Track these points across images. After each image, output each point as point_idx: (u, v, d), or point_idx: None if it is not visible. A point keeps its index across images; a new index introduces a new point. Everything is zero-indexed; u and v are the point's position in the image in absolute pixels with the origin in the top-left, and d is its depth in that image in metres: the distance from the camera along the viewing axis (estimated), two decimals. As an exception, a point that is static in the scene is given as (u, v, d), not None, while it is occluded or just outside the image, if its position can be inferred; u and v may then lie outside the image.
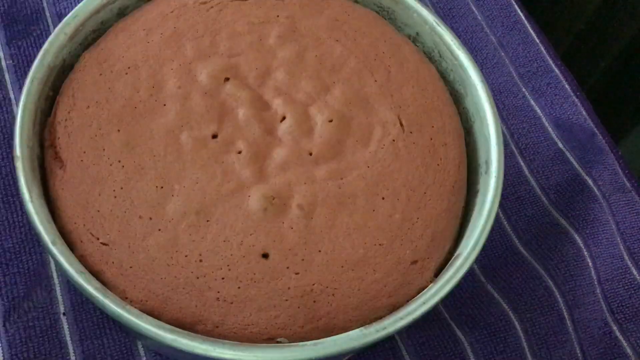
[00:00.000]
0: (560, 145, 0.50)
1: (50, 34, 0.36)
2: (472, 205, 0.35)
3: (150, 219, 0.31)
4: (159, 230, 0.31)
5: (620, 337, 0.43)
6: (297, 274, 0.31)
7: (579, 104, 0.52)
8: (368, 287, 0.31)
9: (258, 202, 0.31)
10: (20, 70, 0.45)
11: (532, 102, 0.51)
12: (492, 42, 0.54)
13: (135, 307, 0.29)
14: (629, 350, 0.43)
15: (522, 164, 0.49)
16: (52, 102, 0.35)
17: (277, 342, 0.30)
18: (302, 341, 0.29)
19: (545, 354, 0.42)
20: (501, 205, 0.47)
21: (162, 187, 0.32)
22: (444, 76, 0.39)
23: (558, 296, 0.44)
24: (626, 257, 0.46)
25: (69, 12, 0.36)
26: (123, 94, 0.34)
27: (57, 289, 0.39)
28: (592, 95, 0.55)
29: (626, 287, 0.45)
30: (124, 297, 0.30)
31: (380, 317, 0.31)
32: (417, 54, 0.38)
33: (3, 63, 0.46)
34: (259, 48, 0.36)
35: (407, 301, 0.31)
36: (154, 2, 0.38)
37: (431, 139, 0.35)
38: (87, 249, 0.31)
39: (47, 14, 0.48)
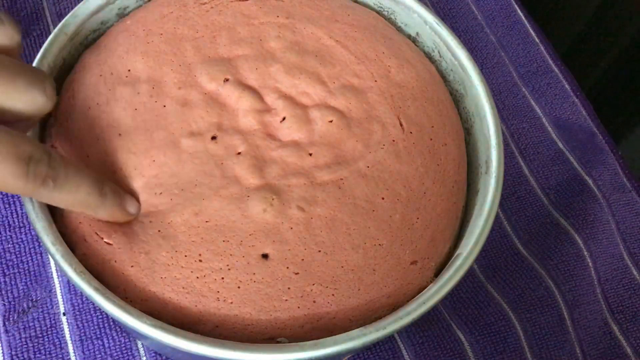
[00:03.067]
0: (560, 145, 0.50)
1: (50, 33, 0.36)
2: (472, 205, 0.35)
3: (150, 222, 0.31)
4: (159, 231, 0.31)
5: (620, 337, 0.44)
6: (297, 274, 0.31)
7: (579, 104, 0.52)
8: (368, 287, 0.31)
9: (258, 202, 0.31)
10: (20, 71, 0.45)
11: (532, 102, 0.52)
12: (492, 42, 0.54)
13: (135, 307, 0.29)
14: (629, 350, 0.43)
15: (522, 164, 0.49)
16: (52, 102, 0.35)
17: (277, 342, 0.30)
18: (302, 341, 0.29)
19: (545, 354, 0.42)
20: (501, 205, 0.47)
21: (161, 194, 0.32)
22: (444, 76, 0.39)
23: (558, 296, 0.44)
24: (626, 257, 0.46)
25: (69, 12, 0.36)
26: (123, 95, 0.34)
27: (57, 289, 0.39)
28: (592, 95, 0.55)
29: (626, 287, 0.45)
30: (124, 297, 0.30)
31: (380, 317, 0.31)
32: (417, 54, 0.38)
33: (3, 63, 0.45)
34: (259, 48, 0.36)
35: (407, 301, 0.31)
36: (154, 3, 0.38)
37: (431, 139, 0.35)
38: (90, 247, 0.31)
39: (47, 14, 0.48)
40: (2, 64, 0.27)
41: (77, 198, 0.29)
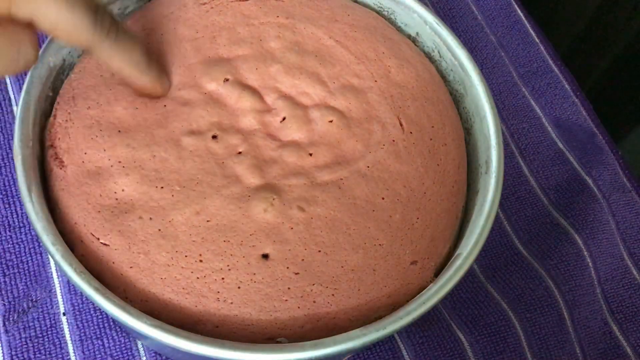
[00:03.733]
0: (560, 145, 0.50)
1: (50, 34, 0.36)
2: (472, 205, 0.35)
3: (151, 219, 0.31)
4: (159, 230, 0.31)
5: (620, 337, 0.44)
6: (297, 274, 0.31)
7: (579, 104, 0.52)
8: (368, 287, 0.31)
9: (259, 202, 0.31)
10: (20, 70, 0.45)
11: (532, 102, 0.52)
12: (492, 42, 0.54)
13: (135, 307, 0.29)
14: (629, 350, 0.43)
15: (522, 164, 0.49)
16: (52, 102, 0.35)
17: (277, 342, 0.30)
18: (302, 341, 0.29)
19: (545, 354, 0.42)
20: (501, 205, 0.47)
21: (162, 188, 0.32)
22: (444, 76, 0.39)
23: (558, 296, 0.44)
24: (626, 257, 0.46)
25: (69, 12, 0.36)
26: (124, 94, 0.34)
27: (57, 289, 0.39)
28: (592, 95, 0.55)
29: (626, 287, 0.45)
30: (124, 297, 0.30)
31: (380, 317, 0.31)
32: (417, 54, 0.38)
33: (3, 63, 0.46)
34: (259, 49, 0.36)
35: (407, 301, 0.31)
36: (154, 3, 0.38)
37: (431, 139, 0.35)
38: (87, 249, 0.31)
39: (47, 14, 0.48)
40: None
41: (132, 58, 0.31)
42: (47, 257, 0.40)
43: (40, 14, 0.27)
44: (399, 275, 0.32)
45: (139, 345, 0.39)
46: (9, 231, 0.40)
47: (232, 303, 0.30)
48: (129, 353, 0.38)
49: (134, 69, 0.32)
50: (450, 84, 0.39)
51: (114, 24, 0.30)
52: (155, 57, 0.34)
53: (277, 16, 0.37)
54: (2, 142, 0.43)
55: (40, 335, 0.38)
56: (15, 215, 0.41)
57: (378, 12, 0.40)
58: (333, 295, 0.31)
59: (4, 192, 0.41)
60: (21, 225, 0.41)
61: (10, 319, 0.38)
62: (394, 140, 0.34)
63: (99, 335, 0.39)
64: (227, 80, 0.35)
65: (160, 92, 0.34)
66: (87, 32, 0.28)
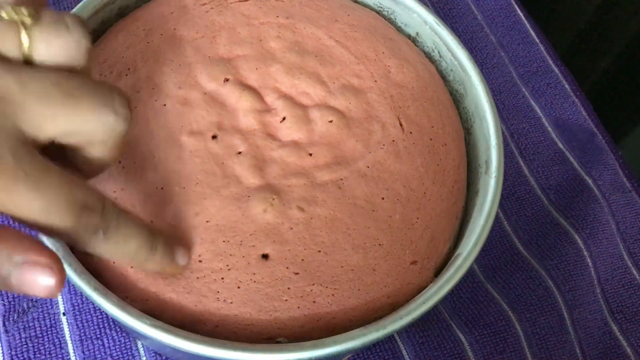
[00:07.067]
0: (560, 145, 0.50)
1: (50, 34, 0.36)
2: (472, 205, 0.35)
3: (151, 221, 0.31)
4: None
5: (620, 337, 0.43)
6: (297, 274, 0.31)
7: (579, 104, 0.52)
8: (368, 287, 0.31)
9: (258, 203, 0.31)
10: (20, 71, 0.45)
11: (532, 102, 0.52)
12: (492, 42, 0.54)
13: (135, 307, 0.29)
14: (629, 350, 0.43)
15: (522, 164, 0.49)
16: (52, 102, 0.35)
17: (277, 342, 0.30)
18: (302, 341, 0.29)
19: (545, 354, 0.42)
20: (501, 205, 0.47)
21: (162, 188, 0.32)
22: (444, 76, 0.39)
23: (558, 296, 0.44)
24: (626, 257, 0.46)
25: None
26: (123, 94, 0.34)
27: (57, 289, 0.39)
28: (592, 95, 0.55)
29: (626, 287, 0.45)
30: (124, 297, 0.30)
31: (380, 317, 0.31)
32: (417, 54, 0.38)
33: (3, 63, 0.46)
34: (259, 49, 0.36)
35: (407, 301, 0.31)
36: (154, 3, 0.38)
37: (431, 139, 0.35)
38: (87, 249, 0.31)
39: (47, 14, 0.48)
40: (60, 85, 0.24)
41: (125, 251, 0.27)
42: (47, 257, 0.40)
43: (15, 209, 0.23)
44: (398, 275, 0.32)
45: (139, 345, 0.39)
46: (9, 231, 0.40)
47: (232, 303, 0.30)
48: (129, 353, 0.38)
49: (129, 260, 0.28)
50: (450, 84, 0.39)
51: (105, 219, 0.25)
52: (164, 238, 0.29)
53: (277, 16, 0.37)
54: (2, 142, 0.43)
55: (40, 335, 0.38)
56: (15, 215, 0.41)
57: (378, 12, 0.40)
58: (333, 295, 0.31)
59: (4, 192, 0.41)
60: (20, 225, 0.41)
61: (10, 319, 0.38)
62: (393, 140, 0.34)
63: (99, 335, 0.39)
64: (227, 80, 0.35)
65: (173, 272, 0.30)
66: (62, 234, 0.24)
